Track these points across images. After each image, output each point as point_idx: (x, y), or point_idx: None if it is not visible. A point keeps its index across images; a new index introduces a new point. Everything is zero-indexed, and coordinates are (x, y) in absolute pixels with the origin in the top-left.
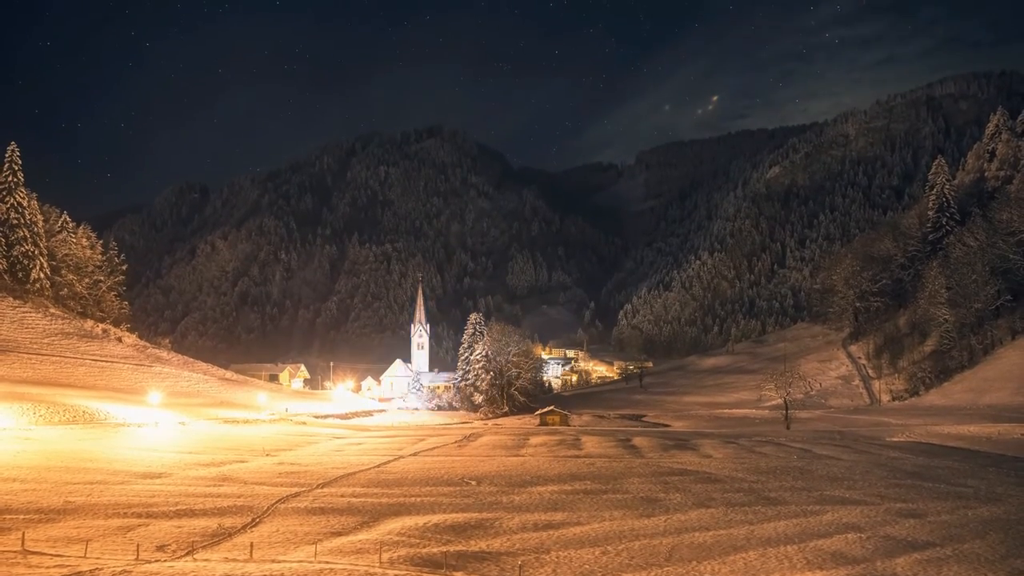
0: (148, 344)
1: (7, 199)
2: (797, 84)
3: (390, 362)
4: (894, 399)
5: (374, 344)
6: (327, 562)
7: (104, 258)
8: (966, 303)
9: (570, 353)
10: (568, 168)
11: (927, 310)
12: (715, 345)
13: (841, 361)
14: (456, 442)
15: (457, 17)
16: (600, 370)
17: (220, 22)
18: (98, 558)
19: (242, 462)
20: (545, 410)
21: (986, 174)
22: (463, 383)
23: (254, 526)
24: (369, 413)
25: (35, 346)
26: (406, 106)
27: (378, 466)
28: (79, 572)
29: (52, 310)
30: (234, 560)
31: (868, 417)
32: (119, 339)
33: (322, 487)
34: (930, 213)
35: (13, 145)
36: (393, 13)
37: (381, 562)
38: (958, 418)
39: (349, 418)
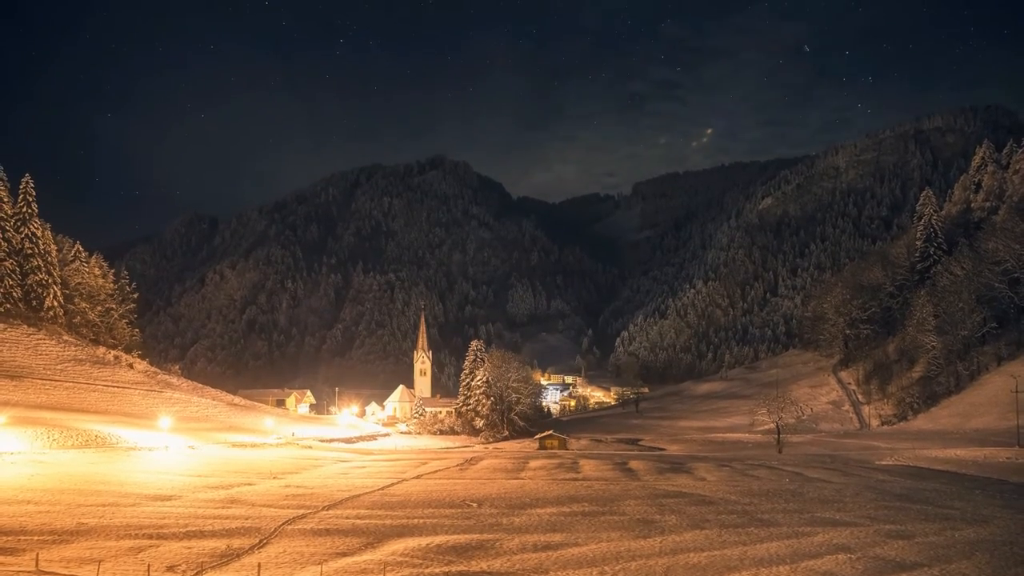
0: (158, 370)
1: (22, 229)
2: (789, 117)
3: (393, 388)
4: (883, 423)
5: (378, 370)
6: None
7: (116, 287)
8: (953, 330)
9: (568, 379)
10: (566, 199)
11: (915, 337)
12: (709, 371)
13: (832, 387)
14: (458, 465)
15: (461, 49)
16: (598, 395)
17: (229, 58)
18: None
19: (250, 485)
20: (544, 434)
21: (972, 205)
22: (464, 408)
23: (262, 547)
24: (373, 437)
25: (49, 372)
26: (408, 138)
27: (382, 489)
28: None
29: (65, 337)
30: None
31: (858, 441)
32: (130, 365)
33: (328, 509)
34: (918, 243)
35: (27, 177)
36: (397, 46)
37: None
38: (945, 442)
39: (354, 442)
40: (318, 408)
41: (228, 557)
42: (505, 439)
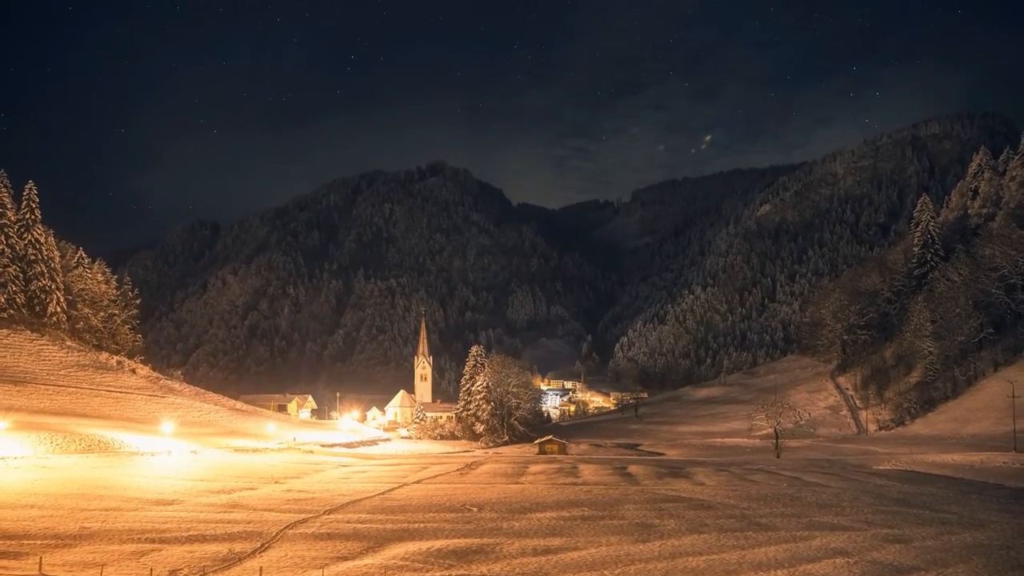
0: (161, 375)
1: (25, 236)
2: (787, 124)
3: (394, 393)
4: (880, 428)
5: (379, 376)
6: None
7: (119, 292)
8: (950, 336)
9: (568, 384)
10: (566, 205)
11: (912, 343)
12: (708, 376)
13: (829, 392)
14: (458, 470)
15: (459, 57)
16: (597, 401)
17: (230, 65)
18: None
19: (252, 489)
20: (544, 439)
21: (969, 211)
22: (465, 413)
23: (263, 551)
24: (374, 442)
25: (52, 377)
26: (409, 144)
27: (383, 493)
28: None
29: (68, 343)
30: None
31: (855, 446)
32: (133, 371)
33: (329, 513)
34: (915, 249)
35: (31, 184)
36: (394, 53)
37: None
38: (942, 447)
39: (355, 447)
40: (319, 413)
41: (230, 561)
42: (505, 444)
